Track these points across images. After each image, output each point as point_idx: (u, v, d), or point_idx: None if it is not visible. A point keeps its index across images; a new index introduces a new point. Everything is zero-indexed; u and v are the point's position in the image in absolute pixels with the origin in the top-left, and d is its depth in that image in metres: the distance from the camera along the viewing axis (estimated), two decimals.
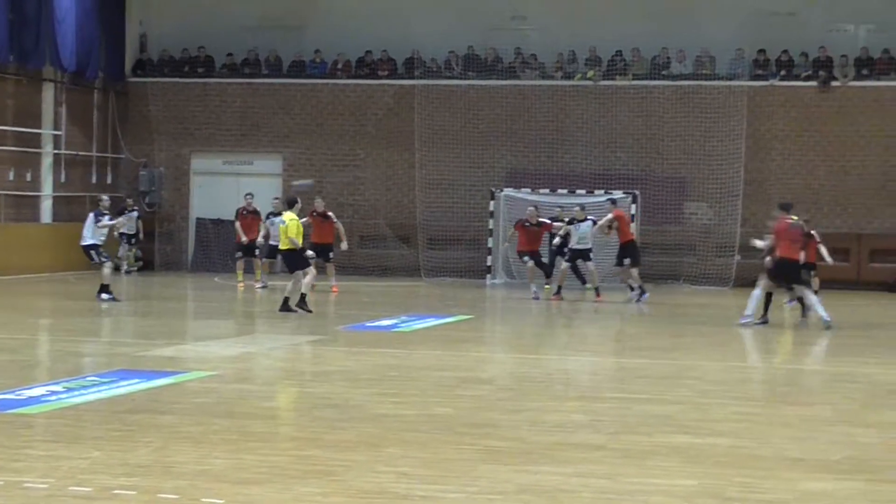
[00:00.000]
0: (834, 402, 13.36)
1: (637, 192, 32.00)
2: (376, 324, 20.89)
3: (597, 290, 26.94)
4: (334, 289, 27.21)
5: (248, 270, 29.32)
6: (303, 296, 22.14)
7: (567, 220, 27.91)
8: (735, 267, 31.44)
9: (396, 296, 27.67)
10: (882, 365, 16.83)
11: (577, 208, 28.31)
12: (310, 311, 21.98)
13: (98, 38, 34.51)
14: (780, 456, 10.36)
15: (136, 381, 13.34)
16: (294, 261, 22.60)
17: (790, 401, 13.96)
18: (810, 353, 19.35)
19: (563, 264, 27.51)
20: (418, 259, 33.10)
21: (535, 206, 28.64)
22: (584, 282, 28.46)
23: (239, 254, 29.00)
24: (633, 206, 31.56)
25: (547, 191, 32.25)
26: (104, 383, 13.10)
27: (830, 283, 30.04)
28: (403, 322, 21.32)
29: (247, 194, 29.72)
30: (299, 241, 22.50)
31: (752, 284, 27.14)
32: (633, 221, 28.99)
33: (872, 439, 11.05)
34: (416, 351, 17.51)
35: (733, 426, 11.66)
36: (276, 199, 29.15)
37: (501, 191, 32.69)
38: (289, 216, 22.50)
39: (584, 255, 27.23)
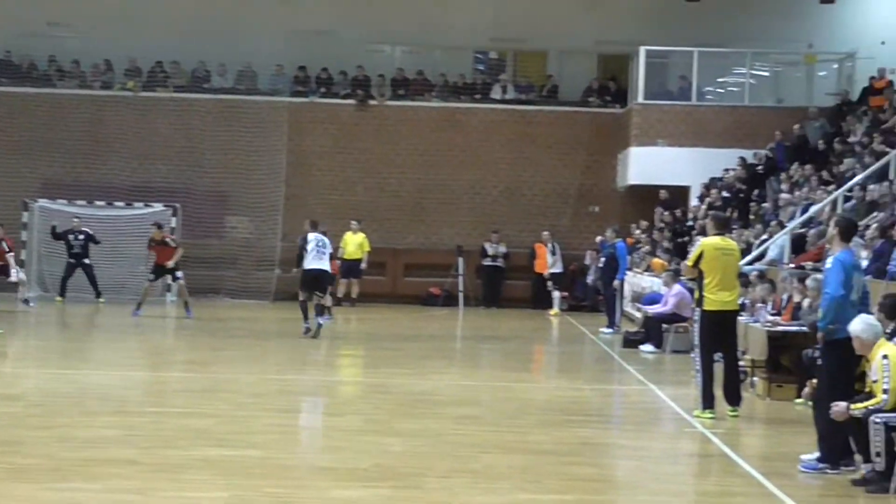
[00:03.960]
0: (365, 413, 13.72)
1: (178, 206, 31.71)
2: None
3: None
4: None
5: None
6: None
7: None
8: (275, 281, 31.75)
9: None
10: (413, 375, 17.44)
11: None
12: None
13: None
14: (311, 465, 10.56)
15: None
16: None
17: (323, 412, 14.26)
18: (346, 364, 19.81)
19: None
20: None
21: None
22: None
23: None
24: (174, 219, 31.28)
25: (84, 202, 31.43)
26: None
27: (368, 297, 30.96)
28: None
29: None
30: None
31: (292, 298, 27.54)
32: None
33: (398, 448, 11.44)
34: None
35: (267, 438, 11.77)
36: None
37: (36, 202, 31.60)
38: None
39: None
